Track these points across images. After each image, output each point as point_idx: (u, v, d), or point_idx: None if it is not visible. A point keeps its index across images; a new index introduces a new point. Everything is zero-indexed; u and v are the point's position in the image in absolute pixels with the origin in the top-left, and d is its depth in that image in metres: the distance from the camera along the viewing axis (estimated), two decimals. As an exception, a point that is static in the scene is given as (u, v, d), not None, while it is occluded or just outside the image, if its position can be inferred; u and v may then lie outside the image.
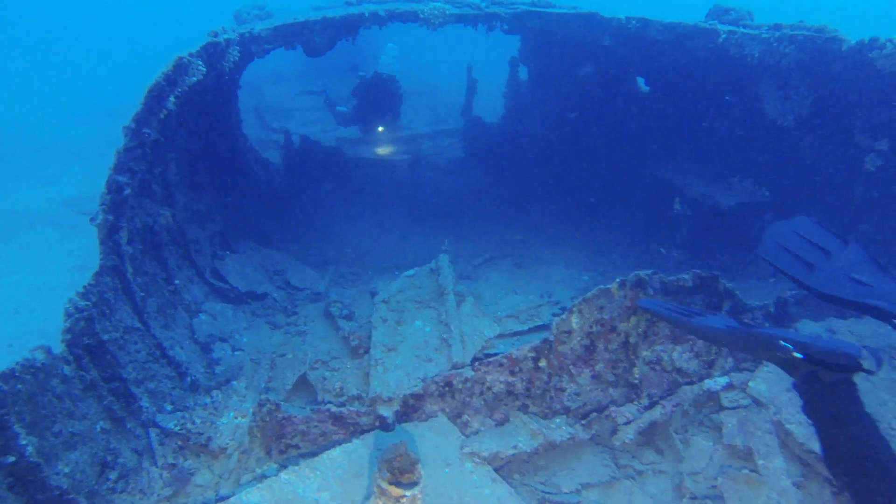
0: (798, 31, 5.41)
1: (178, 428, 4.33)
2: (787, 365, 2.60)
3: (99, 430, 3.83)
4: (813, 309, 5.41)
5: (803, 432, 4.20)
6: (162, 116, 4.48)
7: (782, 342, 2.53)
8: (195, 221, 6.36)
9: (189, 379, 4.74)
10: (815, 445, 4.17)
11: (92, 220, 4.09)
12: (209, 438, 4.33)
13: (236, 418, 4.48)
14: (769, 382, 4.73)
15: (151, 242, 5.18)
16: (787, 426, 4.24)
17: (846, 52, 5.06)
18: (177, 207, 5.81)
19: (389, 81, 10.75)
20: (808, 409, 2.60)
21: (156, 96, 4.46)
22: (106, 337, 4.07)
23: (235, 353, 5.28)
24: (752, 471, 4.15)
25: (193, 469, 4.23)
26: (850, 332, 5.14)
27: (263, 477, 4.13)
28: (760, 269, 6.56)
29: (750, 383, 4.70)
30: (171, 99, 4.46)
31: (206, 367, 5.04)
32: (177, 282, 5.33)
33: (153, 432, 4.24)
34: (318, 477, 3.86)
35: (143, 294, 4.73)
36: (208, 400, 4.66)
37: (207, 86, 6.00)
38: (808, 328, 5.03)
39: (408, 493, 3.14)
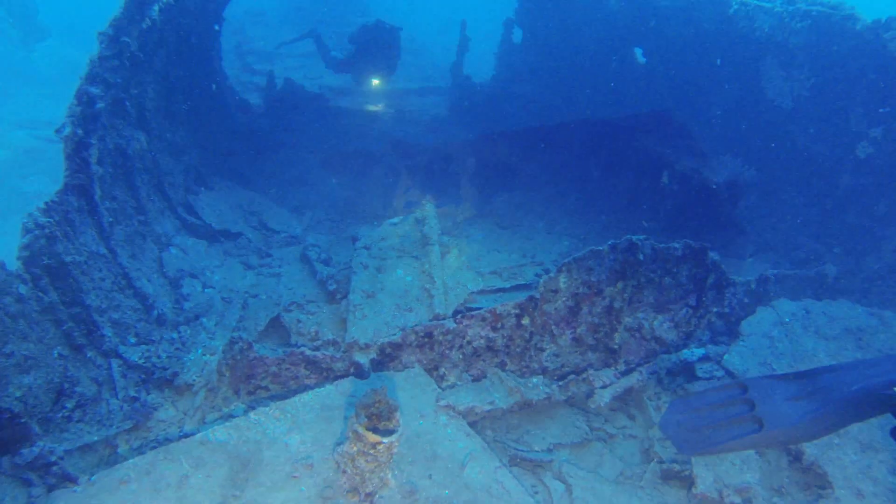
0: (813, 6, 5.30)
1: (142, 361, 4.14)
2: None
3: (56, 355, 3.61)
4: (790, 289, 5.48)
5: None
6: (144, 27, 4.11)
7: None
8: (170, 153, 6.02)
9: (156, 312, 4.52)
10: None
11: (58, 131, 3.77)
12: (175, 374, 4.16)
13: (204, 355, 4.31)
14: (743, 356, 4.79)
15: (123, 167, 4.86)
16: (759, 399, 4.30)
17: (860, 30, 4.99)
18: (151, 135, 5.47)
19: (392, 32, 10.28)
20: None
21: (138, 2, 4.08)
22: (68, 259, 3.80)
23: (206, 290, 5.06)
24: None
25: (156, 404, 4.05)
26: (824, 313, 5.23)
27: (230, 416, 3.99)
28: (741, 248, 6.61)
29: (725, 356, 4.75)
30: (156, 8, 4.09)
31: (175, 302, 4.82)
32: (148, 211, 5.05)
33: (115, 363, 4.03)
34: (289, 419, 3.74)
35: (110, 219, 4.45)
36: (175, 335, 4.46)
37: (193, 7, 5.61)
38: (786, 306, 5.08)
39: (385, 440, 3.05)
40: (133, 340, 4.25)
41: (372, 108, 11.01)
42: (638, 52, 8.65)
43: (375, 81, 10.85)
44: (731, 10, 5.78)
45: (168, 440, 3.69)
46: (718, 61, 6.50)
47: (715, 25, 6.08)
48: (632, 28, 7.71)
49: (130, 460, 3.29)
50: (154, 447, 3.47)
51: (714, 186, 6.68)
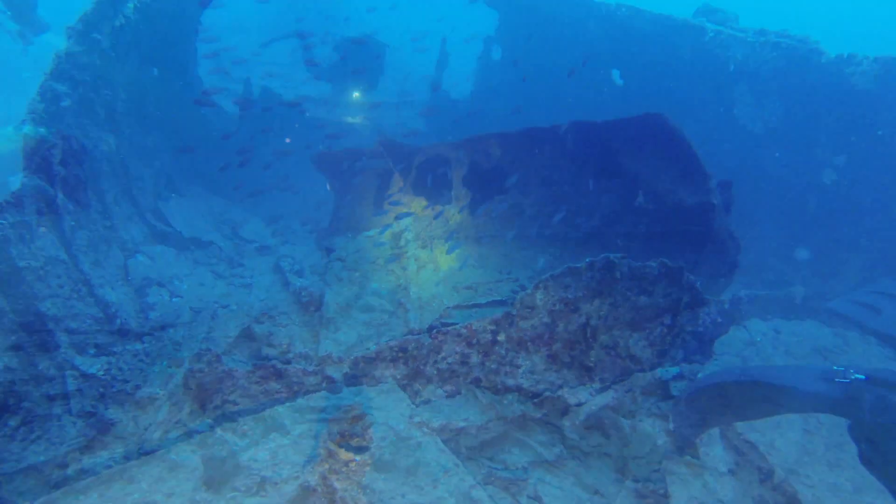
0: (783, 38, 5.49)
1: (102, 373, 3.93)
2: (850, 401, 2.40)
3: (2, 367, 3.39)
4: (761, 309, 5.57)
5: (742, 424, 4.32)
6: (117, 24, 3.96)
7: (834, 367, 2.43)
8: (140, 157, 5.83)
9: (118, 321, 4.31)
10: (753, 436, 4.33)
11: (16, 128, 3.58)
12: (136, 387, 3.96)
13: (170, 367, 4.12)
14: (716, 376, 4.83)
15: (89, 170, 4.66)
16: (731, 418, 4.34)
17: (825, 64, 5.18)
18: (121, 138, 5.29)
19: (378, 48, 10.36)
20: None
21: (112, -2, 3.94)
22: (22, 264, 3.60)
23: (173, 299, 4.86)
24: (693, 457, 4.21)
25: (115, 419, 3.84)
26: (793, 333, 5.33)
27: (195, 432, 3.81)
28: (713, 268, 6.70)
29: (699, 374, 4.78)
30: (131, 6, 3.94)
31: (140, 311, 4.61)
32: (114, 216, 4.85)
33: (70, 375, 3.81)
34: (258, 435, 3.58)
35: (73, 224, 4.25)
36: (139, 346, 4.26)
37: (171, 10, 5.48)
38: (757, 326, 5.16)
39: (357, 457, 2.96)
40: (92, 351, 4.04)
41: (350, 119, 10.96)
42: (615, 73, 8.80)
43: (356, 94, 10.85)
44: (706, 38, 5.93)
45: (126, 459, 3.49)
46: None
47: (691, 51, 6.23)
48: (610, 51, 7.84)
49: (82, 482, 3.08)
50: (110, 466, 3.27)
51: (688, 207, 6.77)
